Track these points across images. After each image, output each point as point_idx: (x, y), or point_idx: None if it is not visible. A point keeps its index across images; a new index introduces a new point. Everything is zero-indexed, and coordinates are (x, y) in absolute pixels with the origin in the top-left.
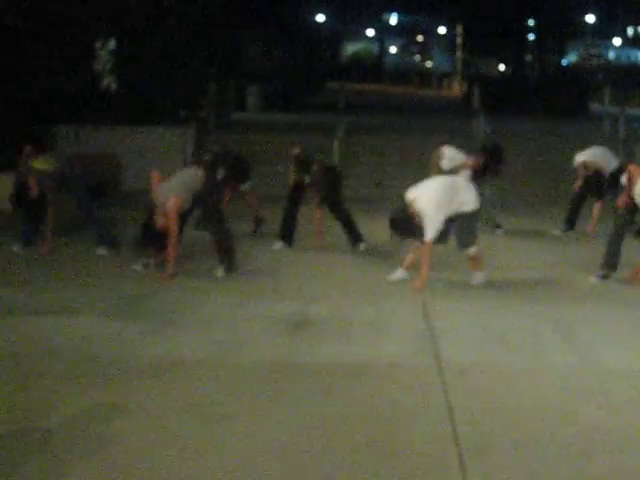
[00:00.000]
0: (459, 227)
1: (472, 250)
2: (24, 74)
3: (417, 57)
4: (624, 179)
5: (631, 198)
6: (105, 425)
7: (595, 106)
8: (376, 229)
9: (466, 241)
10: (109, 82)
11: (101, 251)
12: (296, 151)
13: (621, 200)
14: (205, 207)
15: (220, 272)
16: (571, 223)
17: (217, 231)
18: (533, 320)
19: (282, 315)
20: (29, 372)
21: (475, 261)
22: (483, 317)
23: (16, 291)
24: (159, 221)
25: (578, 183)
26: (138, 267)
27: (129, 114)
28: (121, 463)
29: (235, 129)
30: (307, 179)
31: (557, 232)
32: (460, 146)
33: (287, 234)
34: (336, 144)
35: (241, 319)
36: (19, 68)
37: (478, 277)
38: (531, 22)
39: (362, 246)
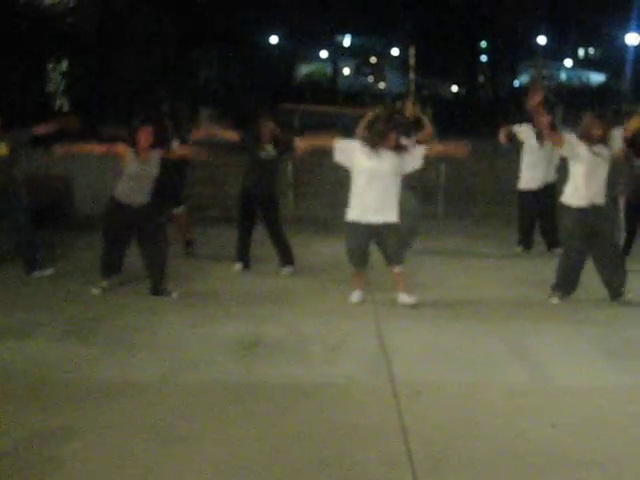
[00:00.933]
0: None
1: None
2: None
3: (370, 78)
4: None
5: None
6: (57, 448)
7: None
8: (331, 249)
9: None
10: (61, 103)
11: (38, 274)
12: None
13: None
14: (151, 226)
15: (176, 294)
16: (528, 242)
17: (160, 251)
18: (486, 339)
19: (236, 335)
20: None
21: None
22: (436, 336)
23: None
24: None
25: None
26: (97, 291)
27: (82, 134)
28: None
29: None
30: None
31: (518, 250)
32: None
33: (242, 256)
34: (290, 165)
35: (195, 340)
36: None
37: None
38: (483, 44)
39: (287, 270)
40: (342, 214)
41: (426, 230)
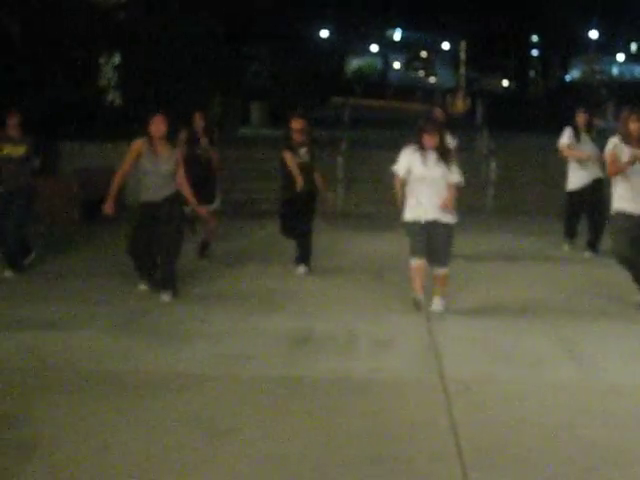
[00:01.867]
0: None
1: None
2: (29, 89)
3: (421, 73)
4: None
5: None
6: (104, 439)
7: (598, 122)
8: (380, 245)
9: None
10: (114, 97)
11: (9, 274)
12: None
13: None
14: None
15: (167, 296)
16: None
17: (175, 247)
18: (537, 337)
19: (285, 330)
20: (31, 387)
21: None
22: (486, 334)
23: (18, 305)
24: None
25: None
26: (143, 287)
27: (134, 130)
28: (122, 475)
29: (239, 144)
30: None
31: (565, 247)
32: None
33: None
34: (340, 159)
35: (244, 334)
36: (23, 83)
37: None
38: (535, 38)
39: (302, 269)
40: (391, 210)
41: (475, 226)
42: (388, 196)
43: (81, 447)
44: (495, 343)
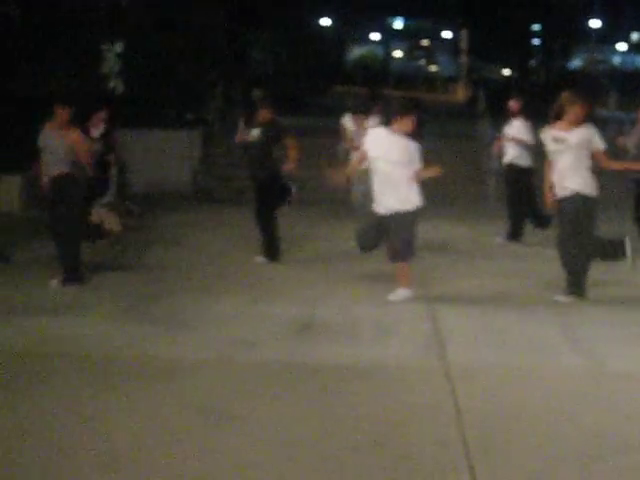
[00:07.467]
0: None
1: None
2: (29, 76)
3: (422, 61)
4: None
5: None
6: (110, 423)
7: (600, 111)
8: None
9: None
10: (115, 85)
11: None
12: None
13: None
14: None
15: (55, 282)
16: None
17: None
18: (539, 323)
19: (289, 316)
20: (33, 372)
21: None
22: (489, 320)
23: (19, 291)
24: None
25: None
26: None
27: (135, 117)
28: (125, 461)
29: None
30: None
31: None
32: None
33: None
34: (341, 146)
35: (247, 320)
36: (25, 70)
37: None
38: (536, 27)
39: (259, 259)
40: None
41: (477, 214)
42: None
43: (82, 432)
44: (498, 329)
